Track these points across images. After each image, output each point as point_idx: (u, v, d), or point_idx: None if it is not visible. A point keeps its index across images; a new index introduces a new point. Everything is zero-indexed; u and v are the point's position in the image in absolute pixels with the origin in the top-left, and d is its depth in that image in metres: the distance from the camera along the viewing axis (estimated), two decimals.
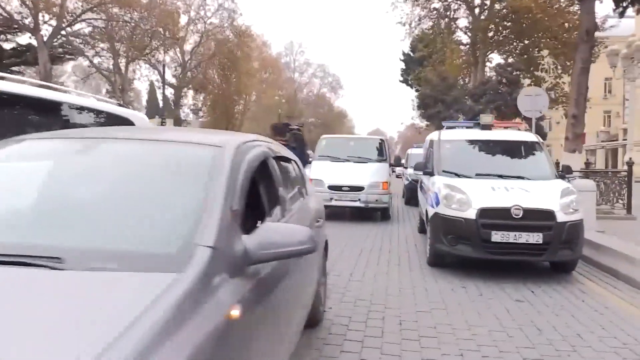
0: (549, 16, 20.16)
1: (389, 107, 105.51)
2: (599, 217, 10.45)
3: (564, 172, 7.31)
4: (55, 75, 47.67)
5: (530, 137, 7.76)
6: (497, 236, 5.86)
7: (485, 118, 8.07)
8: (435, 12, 25.13)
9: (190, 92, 45.39)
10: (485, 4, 23.90)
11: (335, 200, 11.12)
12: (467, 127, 8.48)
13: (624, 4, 12.16)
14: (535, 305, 5.07)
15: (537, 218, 5.89)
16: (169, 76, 42.76)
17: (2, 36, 31.70)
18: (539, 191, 6.27)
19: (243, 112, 55.50)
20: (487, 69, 24.61)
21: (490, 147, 7.67)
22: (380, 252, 7.73)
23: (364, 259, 7.24)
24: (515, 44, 23.99)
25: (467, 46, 26.57)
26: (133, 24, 30.77)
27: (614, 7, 12.51)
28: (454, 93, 24.40)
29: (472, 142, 7.75)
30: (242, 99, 53.54)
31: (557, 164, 12.17)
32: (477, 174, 6.93)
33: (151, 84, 53.11)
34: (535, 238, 5.82)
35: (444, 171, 7.12)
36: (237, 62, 38.37)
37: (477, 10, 24.70)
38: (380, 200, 11.14)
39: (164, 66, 35.57)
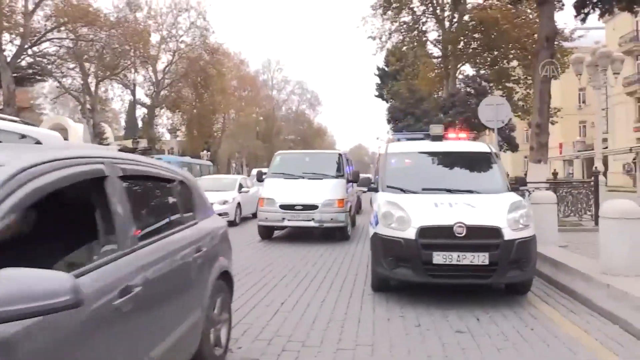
0: (516, 27, 20.02)
1: (369, 123, 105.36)
2: (566, 230, 10.01)
3: (517, 184, 6.79)
4: (32, 97, 46.81)
5: (483, 147, 7.25)
6: (439, 257, 5.28)
7: (435, 129, 7.55)
8: (405, 25, 24.94)
9: (165, 112, 44.78)
10: (454, 17, 23.77)
11: (288, 220, 10.48)
12: (417, 139, 7.96)
13: (585, 10, 11.90)
14: (477, 336, 4.48)
15: (482, 236, 5.33)
16: (142, 95, 42.20)
17: None
18: (485, 206, 5.73)
19: (222, 131, 54.98)
20: (458, 81, 24.40)
21: (440, 160, 7.15)
22: (326, 276, 7.11)
23: (305, 284, 6.62)
24: (485, 55, 23.81)
25: (439, 59, 26.37)
26: (102, 44, 30.11)
27: (575, 14, 12.25)
28: (424, 106, 24.01)
29: (420, 154, 7.20)
30: (220, 117, 53.10)
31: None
32: (423, 189, 6.38)
33: (130, 104, 52.22)
34: (481, 259, 5.25)
35: (388, 187, 6.55)
36: (209, 80, 37.83)
37: (447, 23, 24.55)
38: (336, 219, 10.44)
39: (134, 85, 34.85)
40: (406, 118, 25.04)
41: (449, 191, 6.28)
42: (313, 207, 10.33)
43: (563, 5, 12.84)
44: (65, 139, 35.36)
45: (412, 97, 26.10)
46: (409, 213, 5.59)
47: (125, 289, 2.28)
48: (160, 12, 36.61)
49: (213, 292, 3.52)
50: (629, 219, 5.25)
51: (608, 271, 5.37)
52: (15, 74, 30.56)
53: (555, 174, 14.00)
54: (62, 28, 27.97)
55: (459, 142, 7.60)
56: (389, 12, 24.53)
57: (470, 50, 23.56)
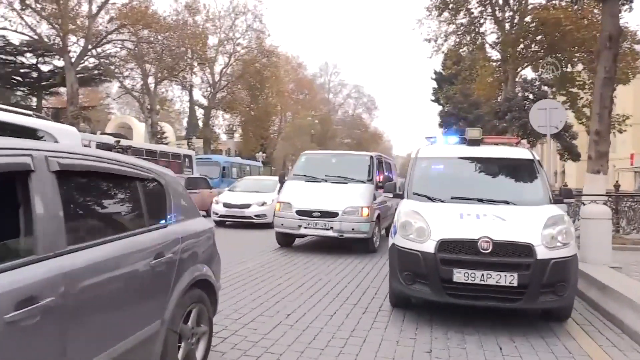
0: (580, 28, 18.63)
1: (427, 128, 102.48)
2: (624, 249, 9.02)
3: (562, 196, 6.03)
4: (101, 97, 49.32)
5: (524, 154, 6.52)
6: (459, 275, 4.69)
7: (472, 132, 6.89)
8: (462, 27, 23.91)
9: (222, 113, 45.68)
10: (515, 18, 22.51)
11: (305, 228, 9.52)
12: (453, 143, 7.31)
13: None
14: None
15: (511, 254, 4.69)
16: (200, 97, 43.27)
17: (40, 59, 32.94)
18: (518, 219, 5.07)
19: (279, 132, 55.61)
20: (516, 86, 23.06)
21: (475, 166, 6.49)
22: (345, 288, 6.64)
23: (319, 295, 6.18)
24: (547, 58, 22.39)
25: (498, 62, 25.12)
26: (161, 46, 30.94)
27: None
28: (478, 111, 22.78)
29: (452, 159, 6.59)
30: (277, 119, 53.71)
31: None
32: (452, 198, 5.78)
33: (190, 105, 53.64)
34: (509, 279, 4.62)
35: (414, 193, 6.00)
36: (264, 83, 38.15)
37: (507, 26, 23.30)
38: (358, 229, 9.29)
39: (191, 87, 35.66)
40: (458, 123, 23.90)
41: (481, 201, 5.65)
42: (332, 215, 9.33)
43: (632, 1, 11.67)
44: (130, 137, 36.54)
45: (466, 101, 24.83)
46: (429, 224, 5.04)
47: (29, 299, 1.97)
48: (218, 16, 37.30)
49: (183, 302, 3.19)
50: None
51: None
52: (81, 75, 32.19)
53: (617, 186, 12.75)
54: (124, 30, 28.99)
55: (498, 148, 6.91)
56: (445, 14, 23.62)
57: (531, 53, 22.21)
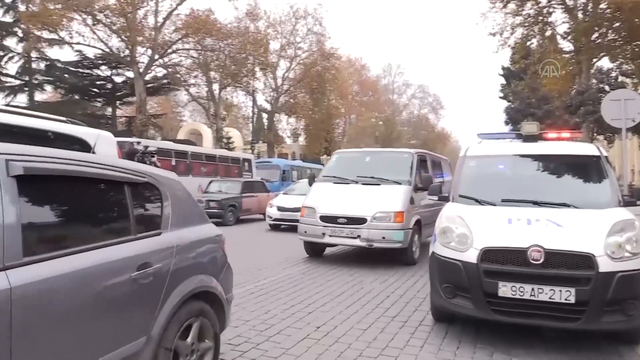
0: None
1: (496, 125, 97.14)
2: None
3: (634, 197, 5.23)
4: (172, 106, 51.54)
5: (590, 150, 5.74)
6: (506, 289, 4.12)
7: (529, 127, 6.20)
8: (529, 18, 22.49)
9: (286, 117, 46.20)
10: (588, 5, 20.80)
11: (329, 236, 8.40)
12: (509, 139, 6.63)
13: None
14: None
15: (567, 265, 4.05)
16: (263, 101, 43.94)
17: (113, 70, 34.86)
18: (576, 225, 4.40)
19: (343, 135, 55.51)
20: (591, 78, 21.33)
21: (531, 165, 5.81)
22: (388, 298, 6.17)
23: (357, 306, 5.77)
24: (625, 47, 20.49)
25: (570, 54, 23.38)
26: (225, 53, 31.62)
27: None
28: (548, 106, 21.14)
29: (506, 157, 5.94)
30: (342, 121, 53.64)
31: None
32: (503, 200, 5.17)
33: (254, 110, 54.65)
34: (565, 295, 3.98)
35: (460, 196, 5.45)
36: (325, 85, 38.04)
37: (580, 14, 21.61)
38: (390, 237, 8.04)
39: (253, 92, 36.22)
40: (526, 120, 22.38)
41: (536, 204, 4.99)
42: (360, 221, 8.16)
43: None
44: (199, 143, 37.62)
45: (534, 96, 23.13)
46: (472, 230, 4.49)
47: None
48: (279, 21, 37.67)
49: (177, 316, 2.92)
50: None
51: None
52: (152, 84, 33.69)
53: None
54: (189, 40, 29.92)
55: (558, 144, 6.14)
56: (511, 5, 22.33)
57: (606, 42, 20.42)
